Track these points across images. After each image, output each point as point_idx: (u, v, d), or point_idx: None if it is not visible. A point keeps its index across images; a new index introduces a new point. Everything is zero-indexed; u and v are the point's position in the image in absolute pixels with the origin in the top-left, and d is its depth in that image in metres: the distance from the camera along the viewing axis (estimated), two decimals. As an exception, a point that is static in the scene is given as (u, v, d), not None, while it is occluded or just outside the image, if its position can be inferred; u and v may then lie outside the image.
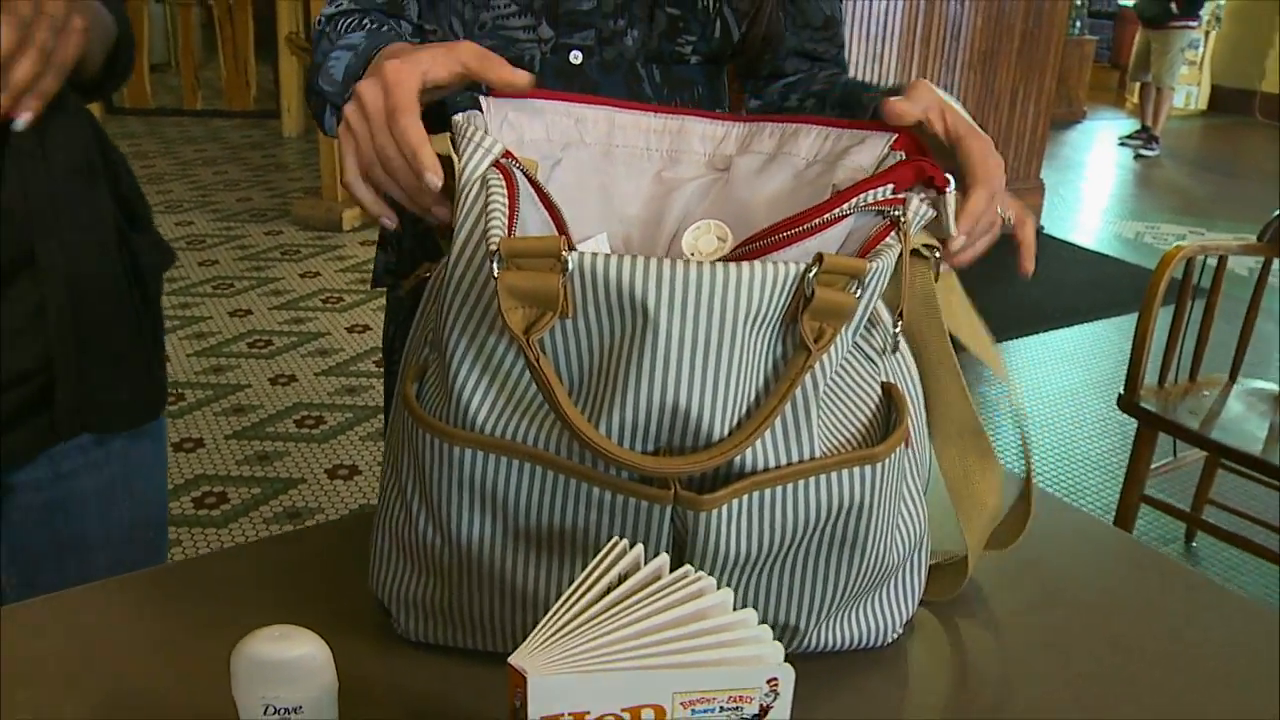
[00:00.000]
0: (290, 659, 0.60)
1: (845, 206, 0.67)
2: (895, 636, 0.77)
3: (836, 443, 0.67)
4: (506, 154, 0.66)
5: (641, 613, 0.53)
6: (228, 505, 2.51)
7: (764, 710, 0.51)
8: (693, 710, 0.50)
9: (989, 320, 0.81)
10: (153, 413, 1.09)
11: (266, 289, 3.86)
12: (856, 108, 0.91)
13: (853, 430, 0.68)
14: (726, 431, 0.62)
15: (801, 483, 0.64)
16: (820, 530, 0.66)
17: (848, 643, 0.75)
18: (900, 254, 0.67)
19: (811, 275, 0.60)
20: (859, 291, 0.63)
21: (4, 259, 0.90)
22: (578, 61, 0.96)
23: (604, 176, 0.80)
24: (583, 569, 0.56)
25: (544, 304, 0.60)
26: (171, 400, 3.05)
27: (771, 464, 0.64)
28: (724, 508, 0.63)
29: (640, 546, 0.57)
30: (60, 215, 0.94)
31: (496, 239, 0.60)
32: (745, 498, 0.63)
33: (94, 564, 1.06)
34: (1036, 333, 3.82)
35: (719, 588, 0.56)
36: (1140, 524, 2.56)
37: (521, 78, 0.71)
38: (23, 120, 0.77)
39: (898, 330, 0.70)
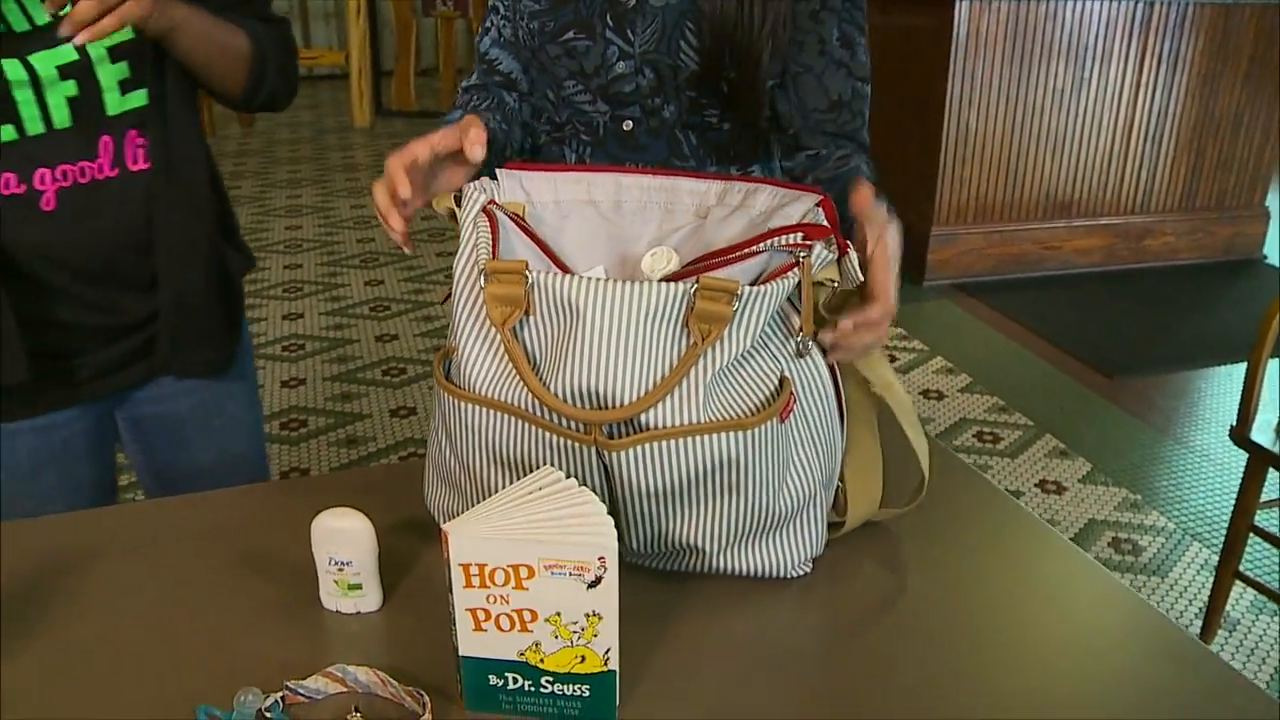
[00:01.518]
0: (344, 527, 0.94)
1: (760, 245, 0.95)
2: (803, 572, 1.03)
3: (729, 415, 0.93)
4: (491, 203, 0.97)
5: (533, 508, 0.82)
6: (305, 429, 3.00)
7: (598, 579, 0.80)
8: (551, 572, 0.80)
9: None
10: (227, 365, 1.44)
11: (399, 265, 4.56)
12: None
13: (744, 408, 0.94)
14: (634, 398, 0.90)
15: (687, 439, 0.91)
16: (708, 475, 0.93)
17: (755, 571, 1.02)
18: (800, 282, 0.94)
19: (692, 291, 0.88)
20: (738, 304, 0.90)
21: (132, 243, 1.27)
22: (629, 128, 1.27)
23: (614, 226, 1.09)
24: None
25: (514, 304, 0.91)
26: (292, 349, 3.67)
27: (667, 424, 0.92)
28: (630, 451, 0.91)
29: (564, 472, 0.87)
30: (174, 222, 1.30)
31: (484, 261, 0.92)
32: (647, 446, 0.91)
33: (203, 473, 1.46)
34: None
35: (641, 513, 0.87)
36: (1249, 555, 2.63)
37: (477, 154, 0.99)
38: (73, 41, 1.06)
39: (799, 340, 0.97)
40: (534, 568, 0.80)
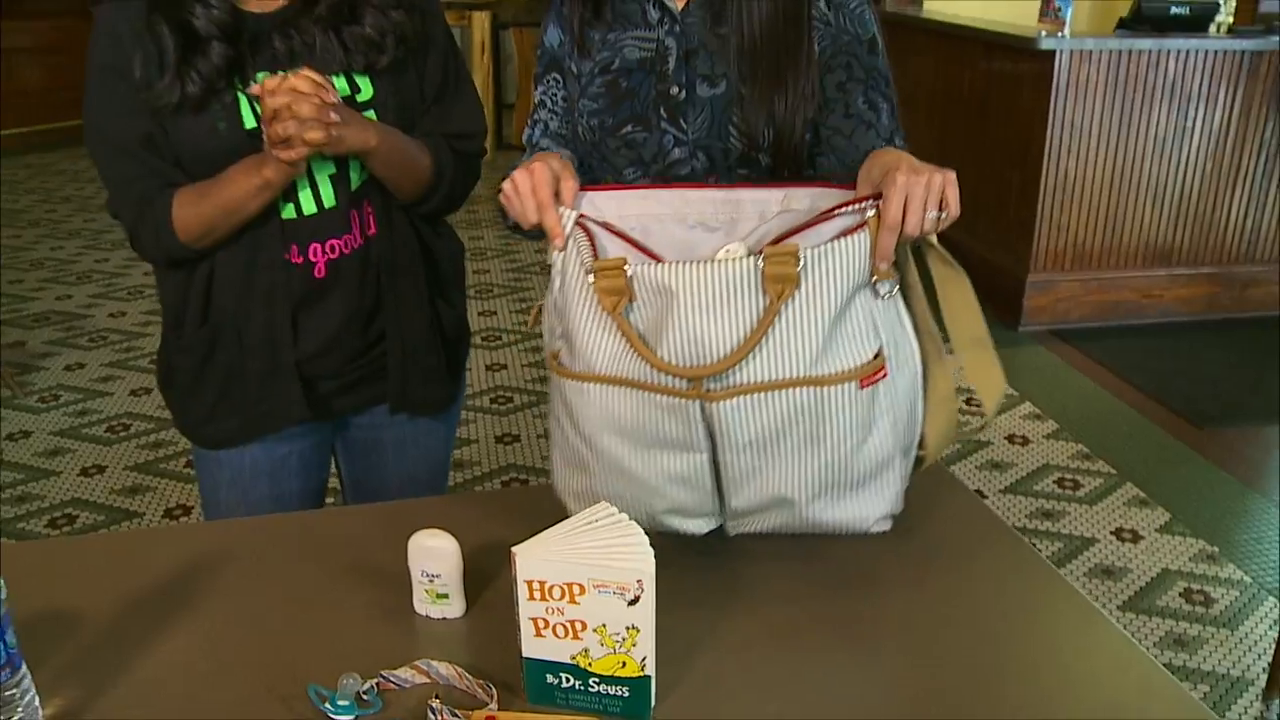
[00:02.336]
0: (435, 546, 1.13)
1: (834, 213, 1.12)
2: (883, 528, 1.19)
3: (820, 372, 1.08)
4: (582, 216, 1.19)
5: (587, 536, 1.00)
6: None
7: (637, 598, 0.97)
8: (598, 590, 0.97)
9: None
10: (446, 405, 1.68)
11: None
12: None
13: (837, 368, 1.09)
14: (727, 351, 1.07)
15: (774, 392, 1.08)
16: (793, 424, 1.10)
17: (839, 524, 1.18)
18: (869, 240, 1.09)
19: (760, 259, 1.06)
20: (804, 264, 1.06)
21: (371, 299, 1.53)
22: None
23: (681, 240, 1.26)
24: (664, 457, 1.11)
25: (619, 293, 1.11)
26: (503, 401, 3.77)
27: (757, 379, 1.08)
28: (727, 403, 1.09)
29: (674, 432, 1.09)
30: (396, 279, 1.55)
31: (589, 263, 1.12)
32: (741, 398, 1.08)
33: (388, 491, 1.68)
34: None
35: (739, 468, 1.10)
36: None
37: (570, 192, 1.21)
38: (284, 157, 1.30)
39: (877, 284, 1.11)
40: (585, 586, 0.97)
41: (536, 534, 1.00)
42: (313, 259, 1.48)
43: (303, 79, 1.28)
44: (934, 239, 1.14)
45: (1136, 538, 2.98)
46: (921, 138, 5.18)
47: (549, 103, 1.48)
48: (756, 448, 1.12)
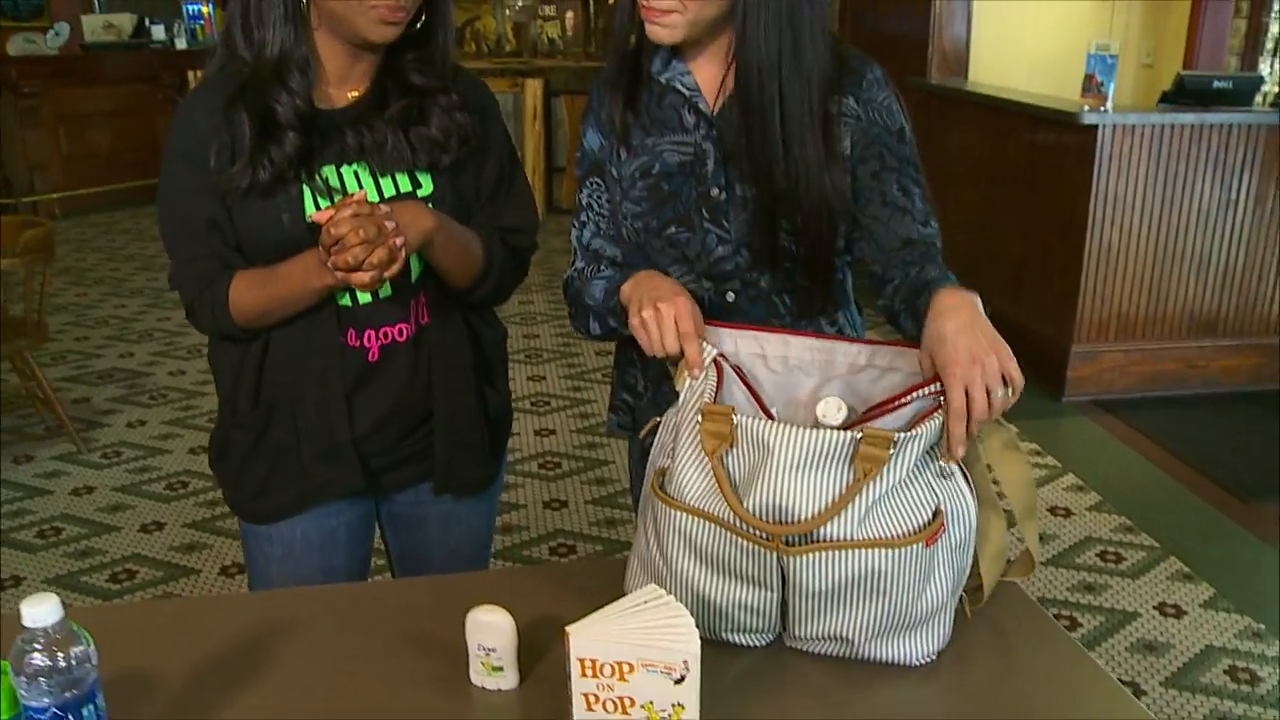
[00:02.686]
0: (492, 621, 1.19)
1: (909, 398, 1.19)
2: (928, 661, 1.24)
3: (886, 535, 1.16)
4: (720, 355, 1.26)
5: (637, 618, 1.06)
6: (575, 555, 3.23)
7: (682, 678, 1.03)
8: (646, 669, 1.03)
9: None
10: (487, 485, 1.74)
11: None
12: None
13: (899, 531, 1.16)
14: (808, 516, 1.14)
15: (848, 552, 1.15)
16: (863, 581, 1.17)
17: (891, 659, 1.24)
18: (942, 423, 1.16)
19: (858, 438, 1.13)
20: (894, 448, 1.13)
21: (421, 383, 1.59)
22: (732, 299, 1.52)
23: (780, 377, 1.33)
24: (736, 587, 1.19)
25: (722, 439, 1.18)
26: (551, 466, 3.85)
27: (833, 538, 1.15)
28: (802, 557, 1.16)
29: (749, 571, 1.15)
30: (445, 366, 1.62)
31: (703, 404, 1.20)
32: (816, 554, 1.15)
33: (432, 564, 1.74)
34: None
35: (806, 609, 1.17)
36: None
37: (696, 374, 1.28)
38: (356, 282, 1.34)
39: (943, 465, 1.19)
40: (634, 665, 1.03)
41: (589, 612, 1.07)
42: (367, 344, 1.56)
43: (353, 206, 1.34)
44: (1001, 418, 1.21)
45: (1180, 613, 2.98)
46: (966, 208, 5.24)
47: (595, 205, 1.55)
48: (824, 595, 1.19)
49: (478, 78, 1.64)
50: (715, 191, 1.47)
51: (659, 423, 1.34)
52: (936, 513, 1.18)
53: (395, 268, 1.36)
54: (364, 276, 1.33)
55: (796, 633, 1.25)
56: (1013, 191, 4.85)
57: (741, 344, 1.33)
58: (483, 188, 1.62)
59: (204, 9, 9.82)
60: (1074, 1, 5.67)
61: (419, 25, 1.50)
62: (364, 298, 1.52)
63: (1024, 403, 3.92)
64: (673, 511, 1.22)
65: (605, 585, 1.31)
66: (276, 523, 1.63)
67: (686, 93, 1.48)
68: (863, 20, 6.48)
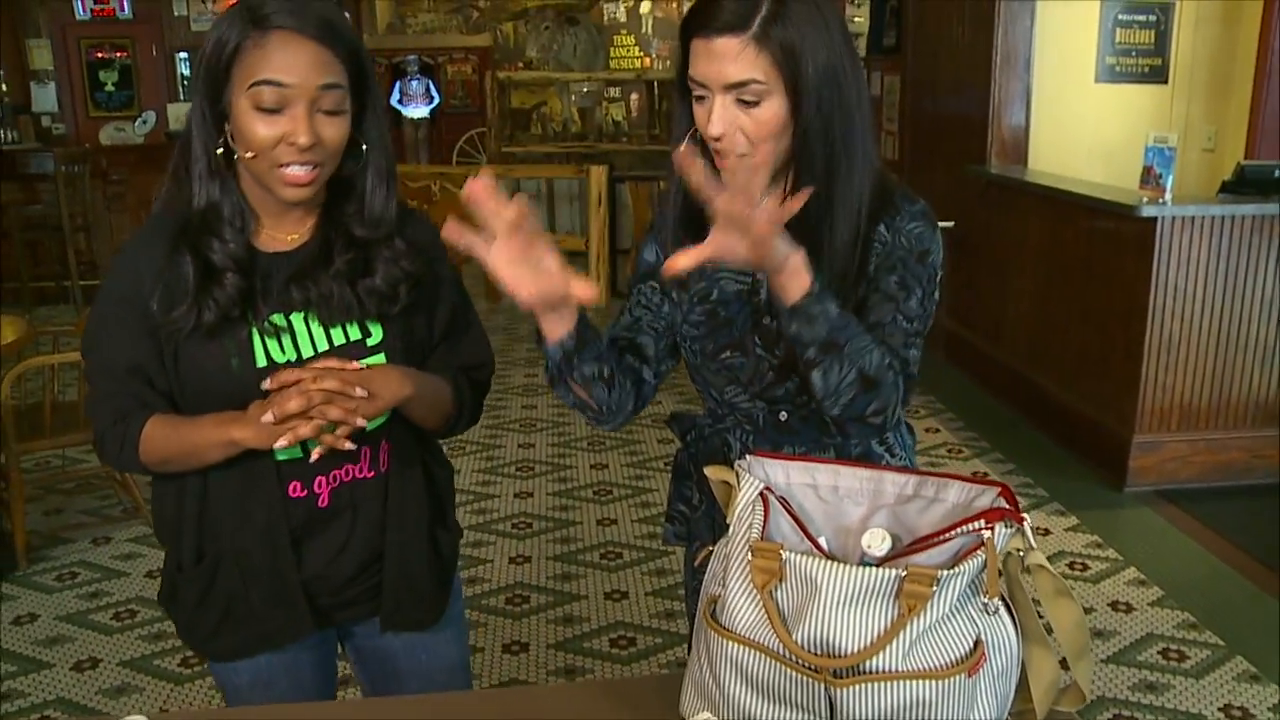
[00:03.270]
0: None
1: (953, 533, 1.24)
2: None
3: (929, 667, 1.20)
4: (766, 488, 1.31)
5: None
6: (635, 648, 3.27)
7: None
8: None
9: None
10: (435, 620, 1.71)
11: None
12: None
13: (942, 661, 1.21)
14: (856, 649, 1.19)
15: (894, 683, 1.20)
16: (908, 711, 1.21)
17: None
18: (985, 560, 1.21)
19: (902, 575, 1.19)
20: (936, 586, 1.18)
21: (374, 526, 1.61)
22: (784, 419, 1.58)
23: (830, 506, 1.38)
24: (787, 713, 1.22)
25: (771, 574, 1.24)
26: (521, 526, 3.91)
27: (879, 670, 1.20)
28: (850, 689, 1.20)
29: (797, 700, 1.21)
30: (402, 513, 1.63)
31: (752, 540, 1.26)
32: (862, 686, 1.20)
33: (407, 692, 1.74)
34: None
35: None
36: None
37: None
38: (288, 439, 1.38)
39: (985, 602, 1.23)
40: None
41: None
42: (317, 490, 1.56)
43: (332, 379, 1.39)
44: (1045, 561, 1.25)
45: (1247, 716, 2.94)
46: (1026, 296, 5.26)
47: (644, 300, 1.61)
48: None
49: (423, 215, 1.65)
50: (768, 321, 1.54)
51: (711, 552, 1.40)
52: (977, 642, 1.23)
53: (333, 439, 1.42)
54: (304, 431, 1.39)
55: None
56: (1072, 280, 4.86)
57: (794, 475, 1.39)
58: (435, 328, 1.65)
59: (282, 96, 10.16)
60: (1134, 86, 5.71)
61: (347, 175, 1.52)
62: (314, 445, 1.47)
63: (1085, 493, 3.96)
64: (725, 641, 1.27)
65: (662, 701, 1.37)
66: (232, 662, 1.64)
67: None
68: (922, 107, 6.56)
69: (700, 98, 1.45)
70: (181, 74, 10.66)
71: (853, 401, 1.44)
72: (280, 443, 1.40)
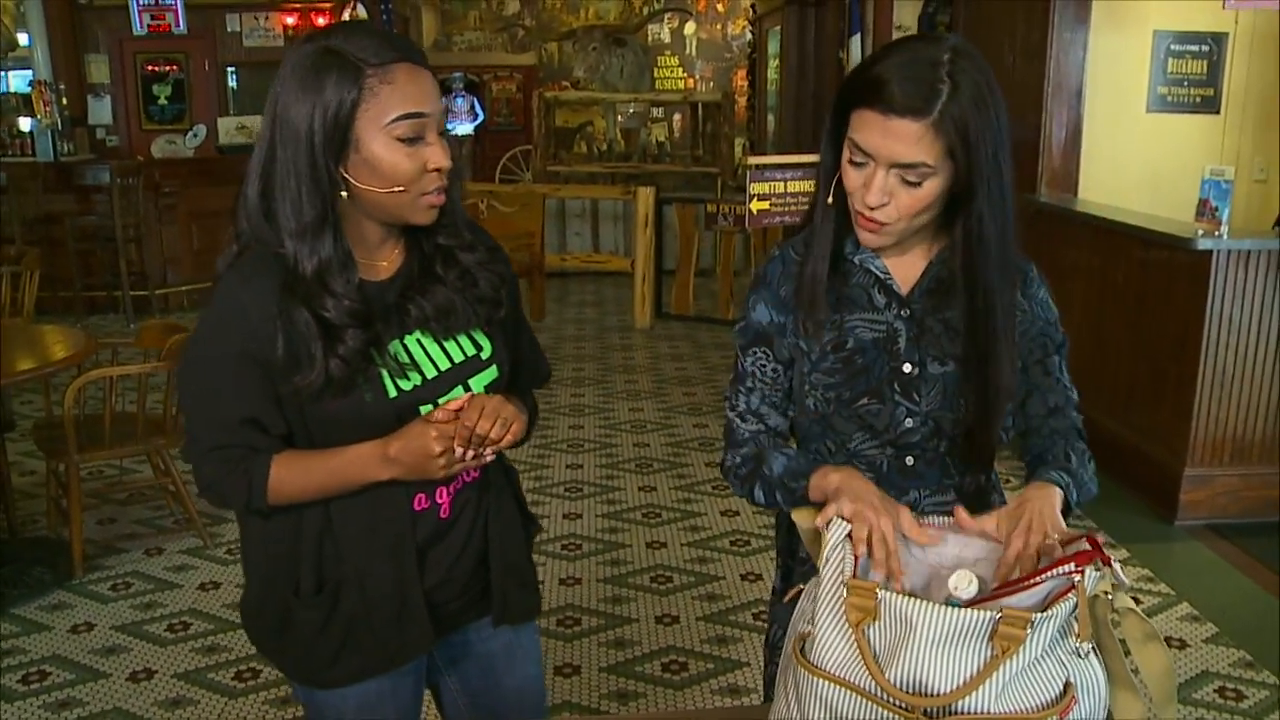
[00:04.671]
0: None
1: (1044, 576, 1.26)
2: None
3: (1022, 709, 1.22)
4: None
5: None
6: (687, 673, 3.28)
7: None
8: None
9: None
10: (539, 610, 1.80)
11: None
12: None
13: (1034, 704, 1.23)
14: (950, 689, 1.21)
15: None
16: None
17: None
18: (1076, 603, 1.23)
19: (997, 618, 1.20)
20: (1030, 629, 1.19)
21: (481, 524, 1.66)
22: (910, 464, 1.60)
23: (917, 550, 1.40)
24: None
25: (866, 612, 1.26)
26: (570, 548, 3.92)
27: (972, 711, 1.21)
28: None
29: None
30: (499, 502, 1.69)
31: (846, 579, 1.28)
32: None
33: (505, 697, 1.79)
34: None
35: None
36: None
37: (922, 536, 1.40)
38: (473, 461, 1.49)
39: (1078, 644, 1.25)
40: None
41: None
42: (439, 500, 1.59)
43: (486, 422, 1.47)
44: (1133, 605, 1.27)
45: (1303, 757, 2.92)
46: (1077, 325, 5.22)
47: (759, 373, 1.64)
48: None
49: (478, 225, 1.67)
50: (908, 368, 1.56)
51: (802, 590, 1.42)
52: (1067, 685, 1.24)
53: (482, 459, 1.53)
54: (457, 466, 1.50)
55: None
56: (1124, 311, 4.84)
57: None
58: (521, 335, 1.73)
59: (330, 112, 10.28)
60: (1185, 116, 5.69)
61: None
62: None
63: (1135, 526, 3.94)
64: (814, 679, 1.29)
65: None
66: (346, 687, 1.62)
67: (879, 275, 1.57)
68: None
69: (860, 164, 1.47)
70: (231, 88, 10.82)
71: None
72: (456, 468, 1.50)
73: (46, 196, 8.17)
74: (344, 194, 1.47)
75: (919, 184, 1.44)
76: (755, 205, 5.44)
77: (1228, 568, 4.07)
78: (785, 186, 5.51)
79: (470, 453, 1.49)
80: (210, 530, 4.29)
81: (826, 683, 1.28)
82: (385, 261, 1.57)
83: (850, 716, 1.27)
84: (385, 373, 1.51)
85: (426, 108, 1.45)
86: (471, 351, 1.60)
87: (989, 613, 1.21)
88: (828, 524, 1.37)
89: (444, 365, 1.57)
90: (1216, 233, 4.20)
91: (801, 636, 1.35)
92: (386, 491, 1.53)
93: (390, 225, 1.54)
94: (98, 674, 3.29)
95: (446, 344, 1.58)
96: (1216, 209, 4.24)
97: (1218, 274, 4.19)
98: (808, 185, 6.12)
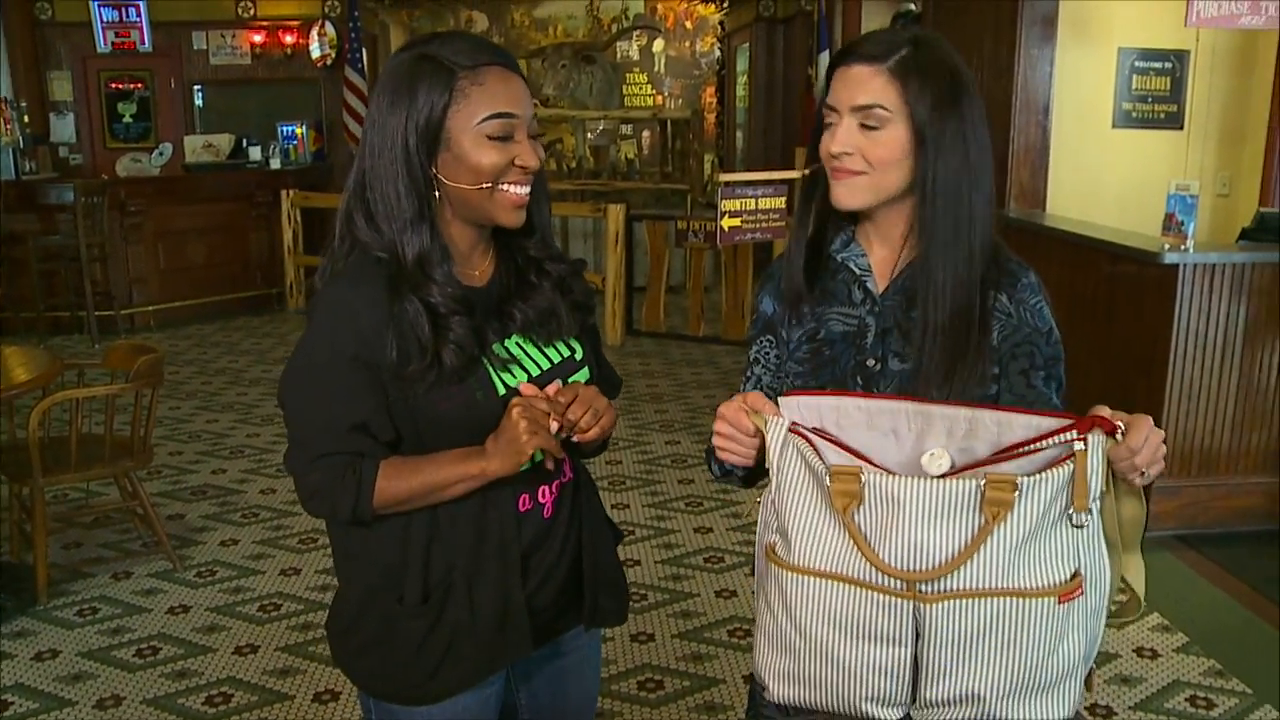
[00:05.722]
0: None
1: (1037, 445, 1.25)
2: None
3: (1022, 586, 1.22)
4: (793, 425, 1.33)
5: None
6: (663, 690, 3.25)
7: None
8: None
9: None
10: (625, 616, 1.78)
11: (727, 510, 4.69)
12: None
13: (1037, 584, 1.23)
14: (942, 562, 1.20)
15: (984, 600, 1.21)
16: (994, 630, 1.22)
17: None
18: (1073, 470, 1.22)
19: (982, 484, 1.20)
20: (1019, 492, 1.19)
21: (576, 525, 1.67)
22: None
23: (874, 444, 1.35)
24: (871, 648, 1.25)
25: (851, 497, 1.25)
26: (637, 598, 3.89)
27: (967, 587, 1.21)
28: (938, 605, 1.22)
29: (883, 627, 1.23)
30: (589, 503, 1.70)
31: (820, 466, 1.27)
32: (951, 602, 1.21)
33: (570, 712, 1.79)
34: None
35: (940, 662, 1.24)
36: None
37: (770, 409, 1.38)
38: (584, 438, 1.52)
39: (1072, 513, 1.24)
40: None
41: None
42: (542, 500, 1.61)
43: (578, 408, 1.51)
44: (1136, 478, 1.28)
45: (1275, 766, 2.93)
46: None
47: (762, 359, 1.69)
48: (958, 647, 1.25)
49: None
50: (871, 362, 1.57)
51: (758, 504, 1.42)
52: (1075, 574, 1.24)
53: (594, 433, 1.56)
54: (592, 433, 1.53)
55: (929, 696, 1.29)
56: (1092, 324, 4.88)
57: (831, 413, 1.37)
58: (599, 355, 1.75)
59: (297, 130, 10.28)
60: (1150, 132, 5.75)
61: None
62: (537, 454, 1.54)
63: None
64: (804, 578, 1.28)
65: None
66: (440, 702, 1.60)
67: (858, 272, 1.60)
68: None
69: (830, 124, 1.53)
70: (198, 106, 10.75)
71: None
72: (553, 447, 1.51)
73: (8, 216, 8.07)
74: (436, 194, 1.53)
75: (879, 129, 1.49)
76: (726, 222, 5.46)
77: (1197, 578, 4.10)
78: (756, 203, 5.54)
79: (561, 431, 1.51)
80: (180, 553, 4.25)
81: (816, 580, 1.26)
82: (478, 270, 1.62)
83: (845, 611, 1.26)
84: (492, 371, 1.55)
85: (517, 110, 1.52)
86: (567, 353, 1.65)
87: (975, 481, 1.20)
88: (765, 424, 1.36)
89: (545, 365, 1.62)
90: (1182, 246, 4.24)
91: (771, 546, 1.33)
92: (492, 493, 1.55)
93: (480, 230, 1.59)
94: (63, 702, 3.24)
95: (547, 348, 1.63)
96: (1182, 223, 4.29)
97: (1184, 287, 4.23)
98: (778, 202, 6.16)
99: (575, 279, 1.68)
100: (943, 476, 1.24)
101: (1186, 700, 3.24)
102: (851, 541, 1.25)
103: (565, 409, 1.51)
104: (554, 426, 1.50)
